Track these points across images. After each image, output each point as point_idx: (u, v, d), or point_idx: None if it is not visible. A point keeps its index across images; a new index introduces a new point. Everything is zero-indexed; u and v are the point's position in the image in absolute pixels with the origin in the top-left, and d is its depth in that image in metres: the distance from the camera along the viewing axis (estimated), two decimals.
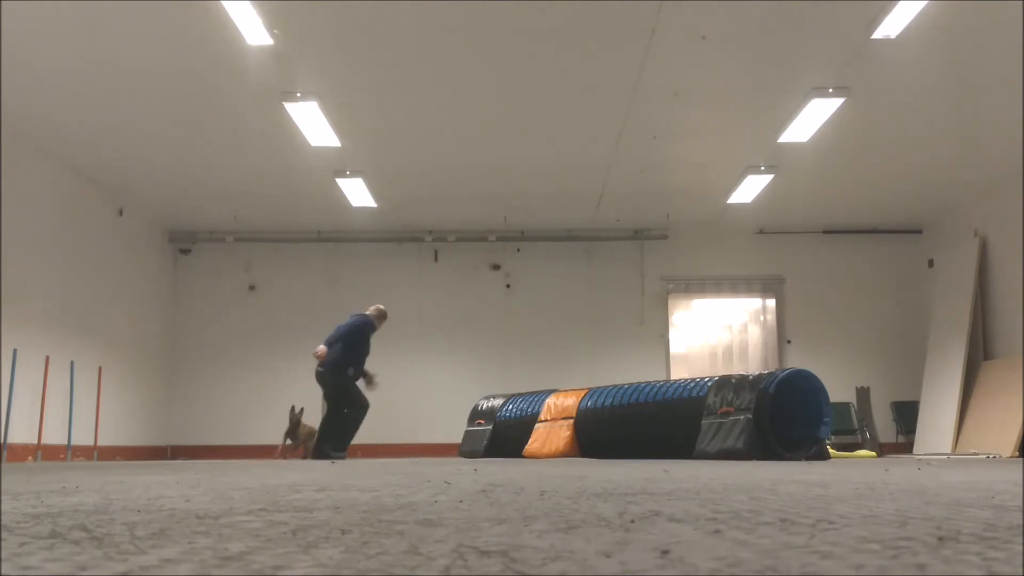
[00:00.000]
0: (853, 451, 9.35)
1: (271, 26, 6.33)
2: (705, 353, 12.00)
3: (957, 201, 10.70)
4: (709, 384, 6.24)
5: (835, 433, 10.54)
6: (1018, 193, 9.52)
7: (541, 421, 7.74)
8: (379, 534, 0.74)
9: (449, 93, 7.64)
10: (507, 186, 10.24)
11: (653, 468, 3.22)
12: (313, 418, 11.27)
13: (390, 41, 6.68)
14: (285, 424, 11.88)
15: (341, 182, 9.84)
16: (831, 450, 6.74)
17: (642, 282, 11.92)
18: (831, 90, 7.47)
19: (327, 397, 8.84)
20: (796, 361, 11.13)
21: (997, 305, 10.00)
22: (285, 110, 7.80)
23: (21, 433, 8.42)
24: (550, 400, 7.84)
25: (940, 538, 0.67)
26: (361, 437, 11.59)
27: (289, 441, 9.87)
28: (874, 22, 6.28)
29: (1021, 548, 0.61)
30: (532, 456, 7.47)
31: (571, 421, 7.38)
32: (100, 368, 9.92)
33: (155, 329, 11.48)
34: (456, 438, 9.83)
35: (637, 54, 6.86)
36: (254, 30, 6.35)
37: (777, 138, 8.57)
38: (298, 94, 7.52)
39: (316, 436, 8.81)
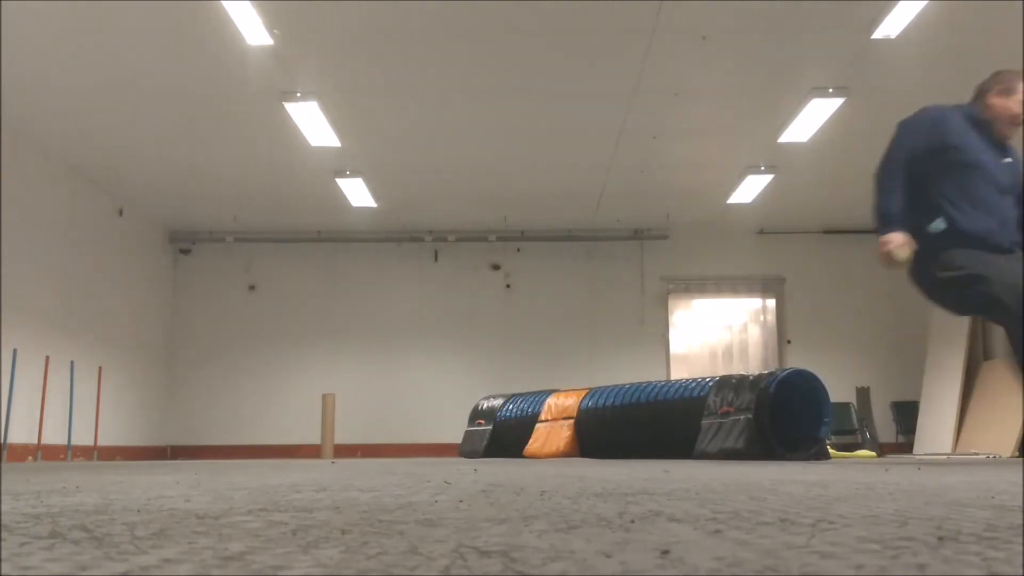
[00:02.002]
0: (853, 451, 9.35)
1: (271, 26, 6.33)
2: (705, 353, 12.00)
3: None
4: (709, 384, 6.24)
5: (835, 433, 10.54)
6: None
7: (542, 421, 7.74)
8: (379, 534, 0.74)
9: (449, 93, 7.64)
10: (507, 186, 10.24)
11: (653, 468, 3.21)
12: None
13: (390, 41, 6.67)
14: (286, 424, 11.89)
15: (341, 182, 9.84)
16: (831, 450, 6.73)
17: (642, 282, 11.92)
18: (831, 90, 7.47)
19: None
20: (796, 361, 11.13)
21: None
22: (285, 110, 7.80)
23: (21, 433, 8.42)
24: (551, 400, 7.84)
25: (940, 538, 0.67)
26: (361, 437, 11.63)
27: None
28: (874, 22, 6.28)
29: (1021, 548, 0.61)
30: (532, 456, 7.48)
31: (572, 421, 7.38)
32: (100, 368, 9.92)
33: (155, 329, 11.48)
34: (456, 438, 9.83)
35: (637, 54, 6.86)
36: (254, 30, 6.35)
37: (777, 138, 8.57)
38: (298, 94, 7.52)
39: None
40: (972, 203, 3.95)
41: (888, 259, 3.96)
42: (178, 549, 0.65)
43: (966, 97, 4.27)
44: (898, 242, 3.92)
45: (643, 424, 6.62)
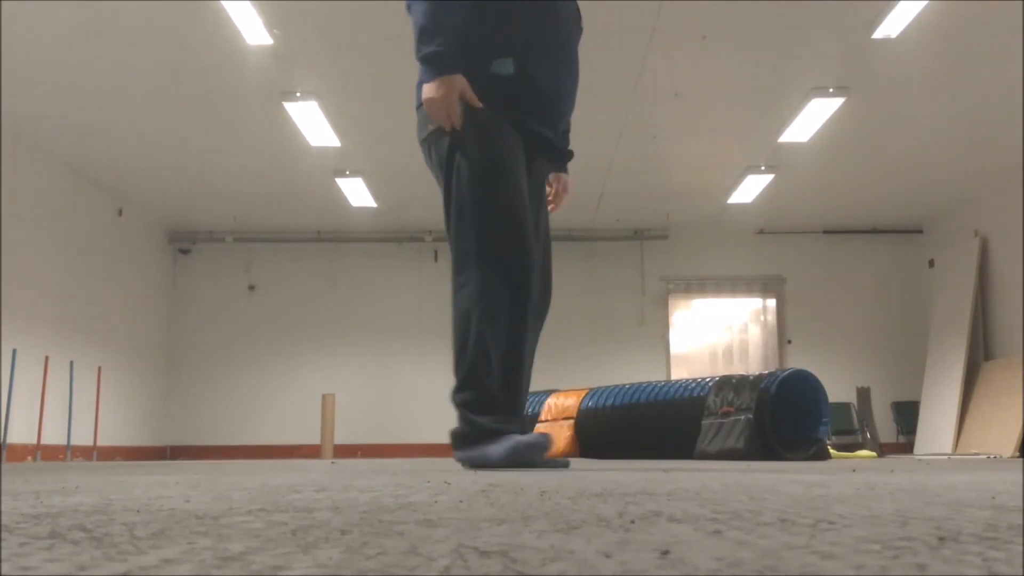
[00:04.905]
0: (854, 451, 9.34)
1: (271, 26, 6.33)
2: (705, 353, 12.00)
3: (958, 201, 10.70)
4: (710, 384, 6.24)
5: (835, 433, 10.54)
6: (1019, 193, 9.52)
7: (541, 421, 7.73)
8: (379, 534, 0.73)
9: None
10: None
11: (653, 468, 3.21)
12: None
13: (390, 41, 6.67)
14: (286, 424, 11.87)
15: (341, 182, 9.84)
16: (832, 450, 6.73)
17: (642, 282, 11.92)
18: (831, 90, 7.47)
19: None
20: (796, 361, 11.13)
21: (997, 305, 10.00)
22: (285, 110, 7.80)
23: (20, 433, 8.42)
24: (550, 400, 7.83)
25: (940, 538, 0.67)
26: (360, 437, 11.63)
27: None
28: (874, 22, 6.28)
29: (1021, 548, 0.61)
30: None
31: (572, 421, 7.38)
32: (99, 368, 9.92)
33: (155, 329, 11.48)
34: None
35: (637, 54, 6.86)
36: (254, 30, 6.35)
37: (777, 138, 8.57)
38: (298, 94, 7.52)
39: None
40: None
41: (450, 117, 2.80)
42: (178, 549, 0.65)
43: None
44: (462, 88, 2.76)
45: (643, 424, 6.62)
